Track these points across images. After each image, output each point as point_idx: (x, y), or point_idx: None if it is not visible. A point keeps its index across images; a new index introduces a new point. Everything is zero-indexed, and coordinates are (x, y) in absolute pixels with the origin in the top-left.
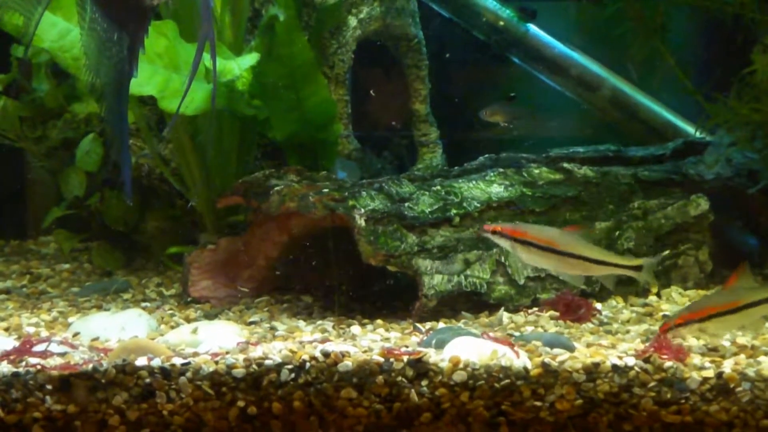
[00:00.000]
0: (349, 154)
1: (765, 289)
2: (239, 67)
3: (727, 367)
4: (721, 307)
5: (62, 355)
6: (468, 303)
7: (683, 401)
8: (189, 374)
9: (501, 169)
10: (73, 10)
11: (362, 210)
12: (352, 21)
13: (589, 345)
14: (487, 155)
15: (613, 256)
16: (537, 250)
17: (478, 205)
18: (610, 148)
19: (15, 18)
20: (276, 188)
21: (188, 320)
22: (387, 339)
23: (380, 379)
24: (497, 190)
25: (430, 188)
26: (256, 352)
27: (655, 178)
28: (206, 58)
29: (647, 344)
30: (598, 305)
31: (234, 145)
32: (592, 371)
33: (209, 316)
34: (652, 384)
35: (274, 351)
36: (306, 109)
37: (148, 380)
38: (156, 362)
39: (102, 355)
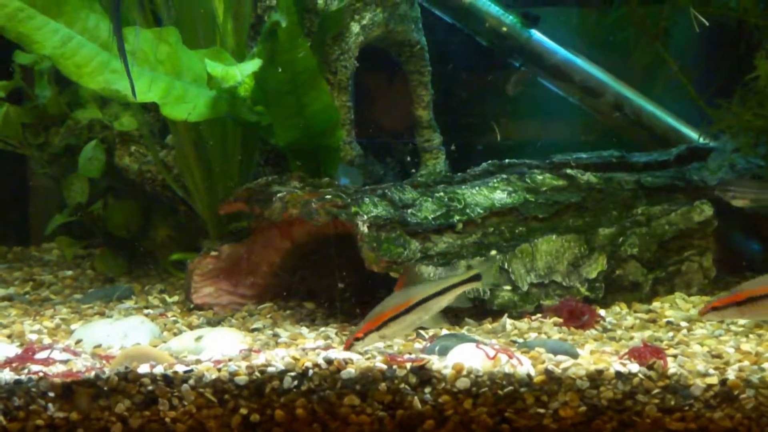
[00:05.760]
0: (352, 161)
1: (428, 286)
2: (241, 73)
3: (731, 373)
4: (396, 310)
5: (65, 362)
6: (471, 309)
7: (687, 408)
8: (191, 381)
9: (504, 176)
10: (75, 16)
11: (365, 216)
12: (355, 27)
13: (592, 352)
14: (490, 161)
15: None
16: (763, 302)
17: (482, 211)
18: (614, 154)
19: (18, 26)
20: (279, 195)
21: (191, 327)
22: (390, 346)
23: (383, 386)
24: (500, 196)
25: (434, 194)
26: (258, 360)
27: (659, 184)
28: (207, 63)
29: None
30: (602, 312)
31: (236, 152)
32: (596, 378)
33: (212, 323)
34: (656, 391)
35: (277, 358)
36: (308, 115)
37: (150, 387)
38: (158, 369)
39: (104, 362)
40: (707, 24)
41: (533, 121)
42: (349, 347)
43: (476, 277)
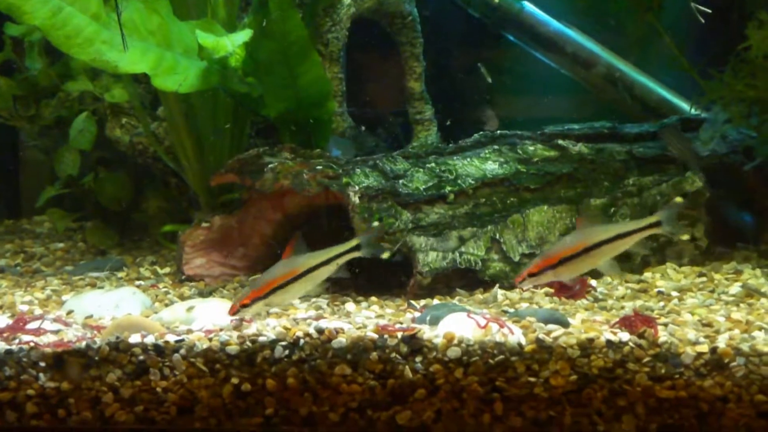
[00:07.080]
0: (344, 132)
1: (313, 256)
2: (232, 43)
3: (722, 342)
4: (282, 279)
5: (56, 332)
6: (463, 280)
7: (677, 376)
8: (183, 351)
9: (496, 146)
10: None
11: (356, 187)
12: None
13: (583, 321)
14: (481, 132)
15: (631, 224)
16: (576, 260)
17: (473, 182)
18: (605, 125)
19: None
20: (270, 166)
21: (182, 298)
22: (381, 316)
23: (374, 355)
24: (492, 167)
25: (425, 165)
26: (250, 329)
27: (650, 154)
28: (198, 34)
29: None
30: (593, 282)
31: (228, 123)
32: (587, 347)
33: (203, 294)
34: (647, 359)
35: (268, 328)
36: (300, 86)
37: (141, 357)
38: (149, 339)
39: (95, 332)
40: (710, 12)
41: (526, 96)
42: (234, 312)
43: (356, 248)
